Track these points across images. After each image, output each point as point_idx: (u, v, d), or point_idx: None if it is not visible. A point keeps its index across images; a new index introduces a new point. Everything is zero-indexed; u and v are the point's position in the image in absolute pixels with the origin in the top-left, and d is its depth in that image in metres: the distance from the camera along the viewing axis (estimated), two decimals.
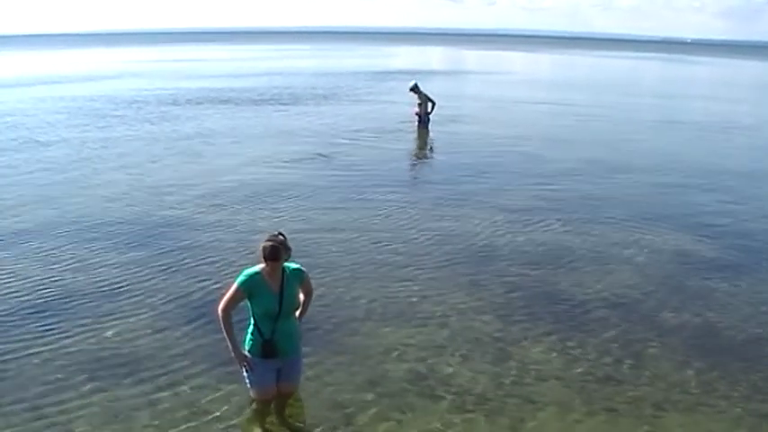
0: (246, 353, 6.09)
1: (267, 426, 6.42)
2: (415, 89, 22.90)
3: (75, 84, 41.75)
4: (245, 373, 6.21)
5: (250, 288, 5.88)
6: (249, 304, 6.00)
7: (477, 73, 58.06)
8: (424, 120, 22.99)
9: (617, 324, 8.75)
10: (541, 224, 12.97)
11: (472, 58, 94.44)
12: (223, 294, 6.05)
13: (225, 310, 5.97)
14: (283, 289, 5.91)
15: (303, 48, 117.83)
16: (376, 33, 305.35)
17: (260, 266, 5.91)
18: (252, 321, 6.06)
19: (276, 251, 5.74)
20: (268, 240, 5.79)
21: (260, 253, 5.78)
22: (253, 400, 6.48)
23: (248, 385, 6.27)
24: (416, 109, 23.09)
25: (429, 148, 22.00)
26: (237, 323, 6.10)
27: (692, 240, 12.15)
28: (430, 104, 22.93)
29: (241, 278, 5.91)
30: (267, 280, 5.88)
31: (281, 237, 5.86)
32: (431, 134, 22.88)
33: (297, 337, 6.24)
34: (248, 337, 6.10)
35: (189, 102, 31.88)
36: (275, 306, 5.89)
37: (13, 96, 34.64)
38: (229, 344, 6.04)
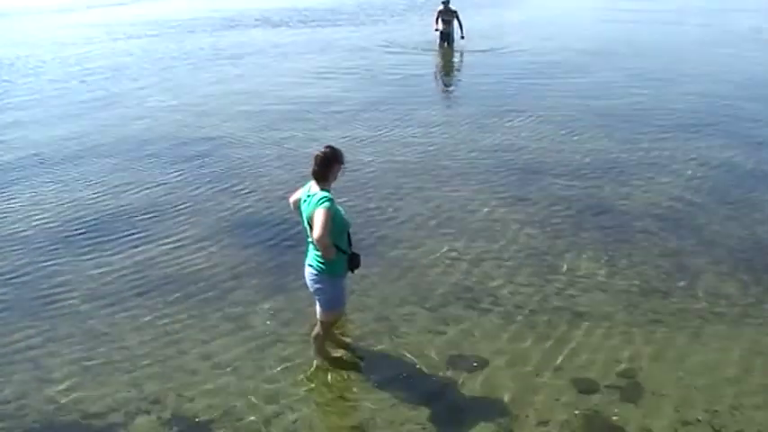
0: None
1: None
2: (446, 3, 21.96)
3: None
4: (326, 297, 5.94)
5: (336, 208, 5.66)
6: None
7: None
8: (449, 38, 22.22)
9: (663, 236, 8.68)
10: (587, 135, 12.74)
11: None
12: (320, 226, 5.43)
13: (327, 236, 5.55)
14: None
15: None
16: None
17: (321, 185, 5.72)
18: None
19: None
20: (327, 148, 5.71)
21: (332, 157, 5.65)
22: (315, 331, 6.28)
23: (329, 309, 5.98)
24: (438, 26, 22.27)
25: (458, 65, 21.39)
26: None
27: (741, 151, 11.77)
28: (457, 24, 22.13)
29: (328, 203, 5.54)
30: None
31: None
32: (456, 52, 22.04)
33: None
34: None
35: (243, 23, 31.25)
36: (348, 219, 5.84)
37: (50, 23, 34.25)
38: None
